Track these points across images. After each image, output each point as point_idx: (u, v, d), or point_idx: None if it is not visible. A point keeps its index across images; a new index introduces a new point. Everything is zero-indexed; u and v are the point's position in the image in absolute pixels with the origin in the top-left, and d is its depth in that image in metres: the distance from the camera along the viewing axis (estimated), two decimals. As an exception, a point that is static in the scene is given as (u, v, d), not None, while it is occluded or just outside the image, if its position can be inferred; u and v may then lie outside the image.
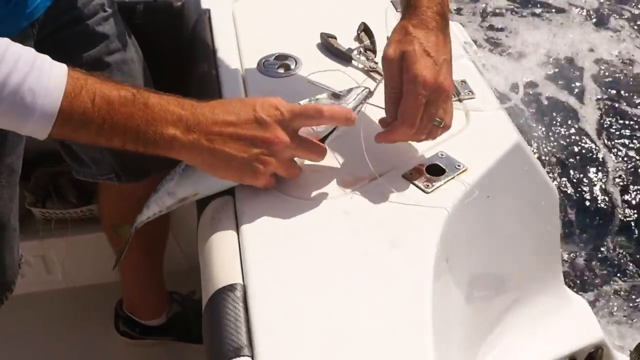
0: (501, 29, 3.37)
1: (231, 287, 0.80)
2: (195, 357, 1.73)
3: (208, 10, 1.31)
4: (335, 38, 1.20)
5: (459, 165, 0.95)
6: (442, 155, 0.97)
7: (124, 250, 1.07)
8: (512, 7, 3.55)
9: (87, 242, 1.71)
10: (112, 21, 1.23)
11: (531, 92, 2.89)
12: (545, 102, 2.88)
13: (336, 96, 0.93)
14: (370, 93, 0.95)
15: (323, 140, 0.91)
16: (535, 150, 2.65)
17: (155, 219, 1.51)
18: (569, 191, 2.57)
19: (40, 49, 1.11)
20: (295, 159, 0.92)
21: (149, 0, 1.35)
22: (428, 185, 0.92)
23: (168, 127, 0.84)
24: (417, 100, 0.87)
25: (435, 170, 0.95)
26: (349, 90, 0.94)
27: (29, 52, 0.82)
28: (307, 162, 0.95)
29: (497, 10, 3.53)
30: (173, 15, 1.34)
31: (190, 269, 1.78)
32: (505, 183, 1.01)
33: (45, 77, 0.80)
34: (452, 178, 0.94)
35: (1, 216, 1.15)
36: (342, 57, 1.17)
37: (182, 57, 1.32)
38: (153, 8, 1.34)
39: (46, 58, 0.83)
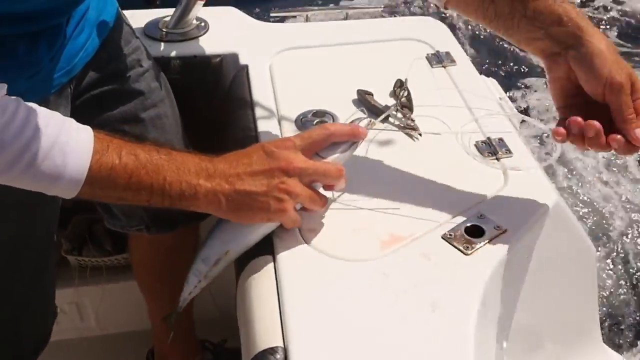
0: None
1: (272, 350, 0.80)
2: (227, 408, 1.72)
3: (246, 66, 1.33)
4: (372, 94, 1.21)
5: (498, 227, 0.95)
6: (480, 215, 0.97)
7: (170, 333, 1.10)
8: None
9: (122, 289, 1.72)
10: (148, 76, 1.26)
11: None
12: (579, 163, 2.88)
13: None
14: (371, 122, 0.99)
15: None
16: (572, 207, 2.64)
17: (182, 263, 1.52)
18: (605, 247, 2.54)
19: (76, 105, 1.16)
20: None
21: (188, 56, 1.38)
22: (468, 247, 0.92)
23: (192, 175, 0.87)
24: None
25: (474, 232, 0.95)
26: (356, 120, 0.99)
27: (55, 114, 0.84)
28: (344, 222, 0.96)
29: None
30: (211, 71, 1.37)
31: (222, 317, 1.79)
32: (544, 243, 1.01)
33: (73, 139, 0.83)
34: (492, 240, 0.93)
35: (40, 267, 1.17)
36: (379, 113, 1.17)
37: (218, 111, 1.34)
38: (192, 63, 1.37)
39: (72, 121, 0.85)
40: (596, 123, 0.88)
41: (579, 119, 0.89)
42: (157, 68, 1.30)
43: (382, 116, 1.08)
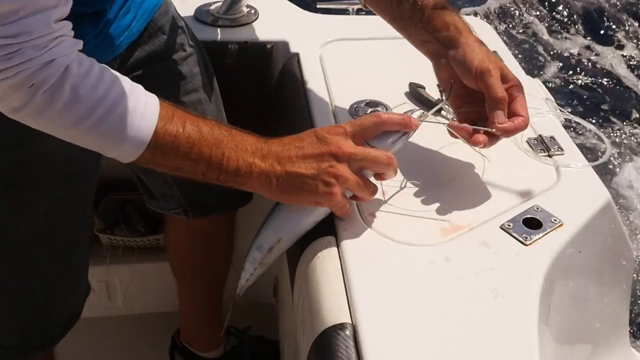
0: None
1: (341, 326, 0.82)
2: (249, 392, 1.74)
3: (297, 54, 1.35)
4: (424, 88, 1.24)
5: (554, 220, 0.97)
6: (537, 209, 0.99)
7: (226, 318, 1.15)
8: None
9: (151, 270, 1.74)
10: (190, 61, 1.27)
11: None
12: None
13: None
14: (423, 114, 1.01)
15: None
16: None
17: (217, 250, 1.55)
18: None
19: None
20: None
21: (239, 42, 1.40)
22: (527, 238, 0.94)
23: (248, 154, 0.90)
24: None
25: (531, 223, 0.97)
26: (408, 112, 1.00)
27: (126, 78, 0.87)
28: (404, 209, 0.98)
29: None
30: (262, 58, 1.39)
31: (247, 305, 1.80)
32: (595, 240, 1.03)
33: (142, 102, 0.85)
34: (550, 232, 0.96)
35: (74, 243, 1.18)
36: (431, 107, 1.19)
37: (269, 98, 1.36)
38: (243, 49, 1.38)
39: (141, 87, 0.88)
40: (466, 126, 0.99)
41: (463, 126, 1.00)
42: (201, 53, 1.32)
43: (435, 108, 1.09)
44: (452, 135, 1.01)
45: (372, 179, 0.95)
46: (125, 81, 0.86)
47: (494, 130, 0.97)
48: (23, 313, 1.14)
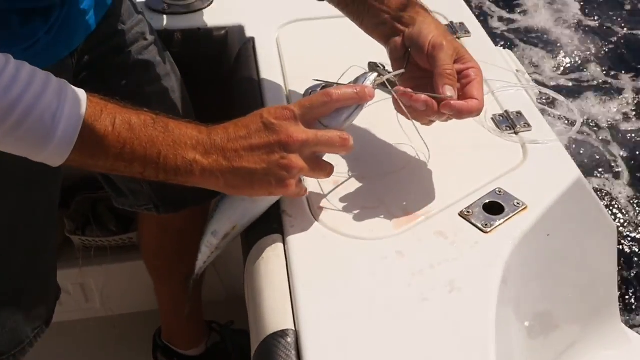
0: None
1: (282, 333, 0.76)
2: (234, 389, 1.70)
3: (252, 39, 1.29)
4: (384, 67, 1.17)
5: (518, 203, 0.91)
6: (499, 192, 0.93)
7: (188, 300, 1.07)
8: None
9: (126, 270, 1.69)
10: (152, 50, 1.22)
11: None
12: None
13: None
14: (380, 77, 0.92)
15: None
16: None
17: (191, 246, 1.49)
18: (628, 226, 2.49)
19: (79, 78, 1.11)
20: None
21: (192, 29, 1.33)
22: (487, 225, 0.88)
23: (188, 150, 0.83)
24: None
25: (492, 208, 0.90)
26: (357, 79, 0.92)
27: (48, 75, 0.79)
28: (354, 200, 0.92)
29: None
30: (216, 44, 1.33)
31: (229, 299, 1.76)
32: (565, 220, 0.97)
33: (64, 101, 0.78)
34: (512, 216, 0.89)
35: (39, 247, 1.14)
36: (392, 86, 1.13)
37: (223, 85, 1.30)
38: (196, 37, 1.32)
39: (66, 83, 0.80)
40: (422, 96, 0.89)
41: (409, 91, 0.90)
42: (160, 42, 1.26)
43: (395, 73, 1.02)
44: (398, 109, 0.93)
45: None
46: (47, 78, 0.79)
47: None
48: None
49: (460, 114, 0.87)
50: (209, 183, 0.85)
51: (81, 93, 0.81)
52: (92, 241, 1.67)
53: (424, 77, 0.93)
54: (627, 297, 2.24)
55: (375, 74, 0.91)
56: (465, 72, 0.91)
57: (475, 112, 0.88)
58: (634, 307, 2.20)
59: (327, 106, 0.87)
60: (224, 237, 0.95)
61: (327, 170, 0.89)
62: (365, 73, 0.92)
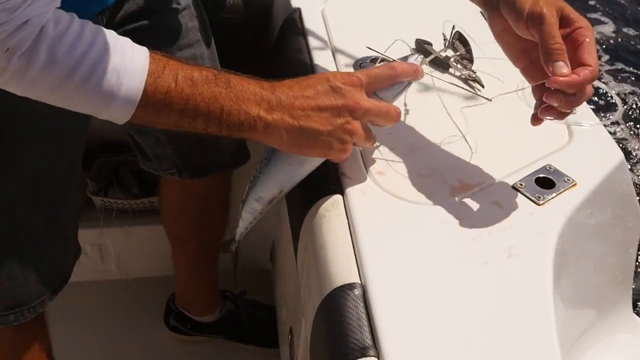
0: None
1: (350, 286, 0.79)
2: (245, 357, 1.72)
3: (299, 9, 1.30)
4: (431, 44, 1.19)
5: (567, 180, 0.94)
6: (549, 168, 0.96)
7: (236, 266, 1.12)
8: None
9: (146, 233, 1.70)
10: (185, 15, 1.21)
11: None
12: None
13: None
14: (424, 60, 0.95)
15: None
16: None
17: (212, 212, 1.51)
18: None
19: None
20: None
21: (237, -5, 1.35)
22: (539, 197, 0.91)
23: (251, 106, 0.83)
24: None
25: (544, 183, 0.94)
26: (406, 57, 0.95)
27: (111, 32, 0.81)
28: (411, 167, 0.95)
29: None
30: (263, 13, 1.34)
31: (241, 269, 1.77)
32: (606, 201, 1.00)
33: (128, 58, 0.79)
34: (563, 192, 0.92)
35: (61, 204, 1.14)
36: (439, 64, 1.16)
37: (269, 54, 1.31)
38: (244, 4, 1.33)
39: (128, 40, 0.82)
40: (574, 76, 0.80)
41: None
42: (198, 7, 1.26)
43: (433, 55, 1.04)
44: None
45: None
46: (110, 36, 0.80)
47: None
48: (9, 273, 1.10)
49: (573, 87, 0.81)
50: (271, 139, 0.87)
51: (143, 50, 0.82)
52: (114, 203, 1.68)
53: (532, 47, 0.87)
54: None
55: (419, 57, 0.94)
56: (573, 36, 0.84)
57: (589, 80, 0.81)
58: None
59: (391, 79, 0.90)
60: (269, 202, 0.96)
61: (373, 139, 0.92)
62: (412, 54, 0.95)
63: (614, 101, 1.09)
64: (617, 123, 2.57)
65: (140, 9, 1.15)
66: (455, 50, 1.19)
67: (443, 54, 1.16)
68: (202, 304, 1.71)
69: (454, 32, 1.21)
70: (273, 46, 1.30)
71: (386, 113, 0.89)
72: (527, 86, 0.99)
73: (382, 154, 0.97)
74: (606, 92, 1.11)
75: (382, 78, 0.89)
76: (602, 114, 2.31)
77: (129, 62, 0.79)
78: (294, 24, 1.27)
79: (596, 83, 1.18)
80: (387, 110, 0.89)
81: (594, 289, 1.11)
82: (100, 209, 1.69)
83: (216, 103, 0.83)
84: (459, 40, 1.20)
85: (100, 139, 1.69)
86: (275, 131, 0.85)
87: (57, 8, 0.76)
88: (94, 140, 1.63)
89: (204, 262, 1.65)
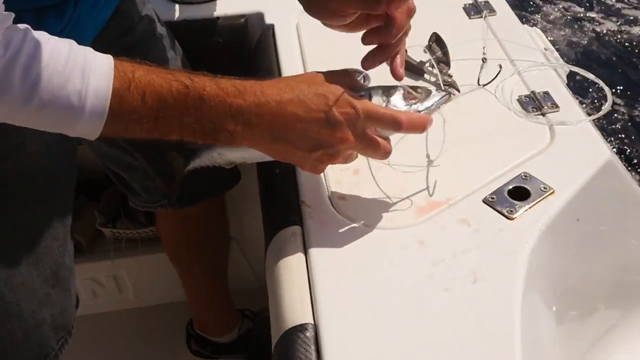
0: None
1: (301, 328, 0.75)
2: (268, 377, 1.70)
3: (272, 26, 1.26)
4: (406, 50, 1.13)
5: (544, 188, 0.88)
6: (525, 176, 0.90)
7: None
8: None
9: (157, 261, 1.69)
10: (161, 47, 1.19)
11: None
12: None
13: (411, 97, 0.85)
14: (448, 99, 0.88)
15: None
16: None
17: (211, 234, 1.47)
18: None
19: None
20: None
21: (210, 18, 1.32)
22: (511, 211, 0.85)
23: (227, 122, 0.77)
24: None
25: (518, 194, 0.87)
26: (428, 94, 0.86)
27: (67, 45, 0.75)
28: (376, 189, 0.90)
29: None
30: (235, 33, 1.31)
31: (261, 287, 1.75)
32: (595, 204, 0.93)
33: (89, 77, 0.73)
34: (539, 202, 0.86)
35: (56, 258, 1.12)
36: (414, 71, 1.10)
37: (243, 75, 1.28)
38: (214, 26, 1.30)
39: (89, 51, 0.76)
40: None
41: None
42: (171, 36, 1.23)
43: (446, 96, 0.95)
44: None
45: None
46: (69, 51, 0.74)
47: None
48: (12, 337, 1.09)
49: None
50: (252, 145, 0.82)
51: (107, 64, 0.76)
52: (123, 233, 1.68)
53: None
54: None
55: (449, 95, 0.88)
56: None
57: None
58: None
59: (392, 129, 0.83)
60: (229, 163, 0.90)
61: (353, 159, 0.86)
62: (440, 92, 0.88)
63: (605, 93, 1.01)
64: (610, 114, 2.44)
65: (118, 47, 1.10)
66: (432, 53, 1.13)
67: (423, 61, 1.11)
68: (218, 324, 1.70)
69: (431, 35, 1.15)
70: (247, 64, 1.26)
71: (374, 150, 0.83)
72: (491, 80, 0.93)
73: (343, 179, 0.93)
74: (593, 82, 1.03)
75: (383, 124, 0.82)
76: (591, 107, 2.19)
77: (90, 80, 0.73)
78: (267, 41, 1.23)
79: (586, 74, 1.10)
80: (376, 147, 0.83)
81: (609, 289, 1.03)
82: (110, 239, 1.69)
83: (187, 119, 0.77)
84: (436, 43, 1.14)
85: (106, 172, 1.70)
86: (252, 144, 0.81)
87: (10, 26, 0.71)
88: (100, 172, 1.64)
89: (213, 283, 1.64)
